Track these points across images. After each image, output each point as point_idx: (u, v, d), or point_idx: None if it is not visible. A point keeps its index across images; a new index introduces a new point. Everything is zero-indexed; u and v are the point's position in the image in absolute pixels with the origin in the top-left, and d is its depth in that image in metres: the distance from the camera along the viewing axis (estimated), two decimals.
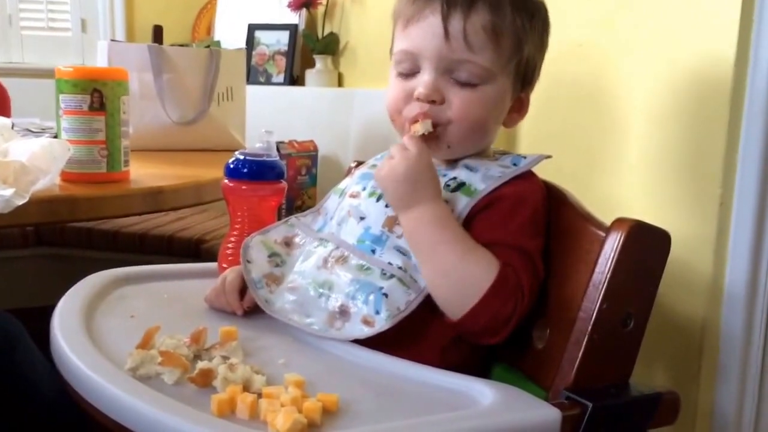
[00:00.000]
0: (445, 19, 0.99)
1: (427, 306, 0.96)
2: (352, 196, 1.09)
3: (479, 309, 0.93)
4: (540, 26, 1.06)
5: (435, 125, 1.02)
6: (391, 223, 1.02)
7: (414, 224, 0.98)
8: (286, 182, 1.22)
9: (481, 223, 1.00)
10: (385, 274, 0.98)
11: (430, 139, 1.02)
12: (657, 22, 1.32)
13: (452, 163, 1.06)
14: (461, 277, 0.94)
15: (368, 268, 0.99)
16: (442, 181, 1.03)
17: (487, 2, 1.00)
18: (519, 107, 1.09)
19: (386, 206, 1.04)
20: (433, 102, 1.01)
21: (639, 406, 0.91)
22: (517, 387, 0.89)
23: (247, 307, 1.07)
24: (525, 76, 1.05)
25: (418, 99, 1.02)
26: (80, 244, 2.45)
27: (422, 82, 1.02)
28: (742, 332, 1.21)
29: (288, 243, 1.13)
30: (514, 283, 0.95)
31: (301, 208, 2.40)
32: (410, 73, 1.04)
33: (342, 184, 1.16)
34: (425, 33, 1.01)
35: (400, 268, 0.98)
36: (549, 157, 1.07)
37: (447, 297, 0.95)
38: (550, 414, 0.83)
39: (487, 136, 1.07)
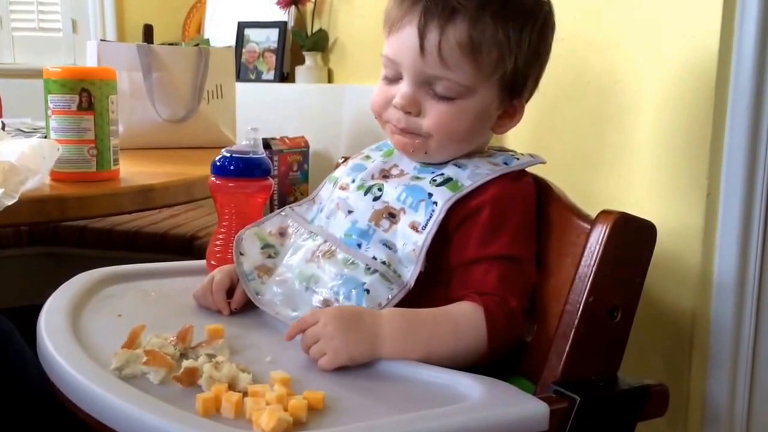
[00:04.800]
0: (421, 33, 0.97)
1: (413, 298, 0.97)
2: (342, 188, 1.10)
3: (490, 355, 0.95)
4: (535, 37, 1.00)
5: (411, 133, 1.02)
6: (378, 217, 1.02)
7: (396, 347, 0.92)
8: (276, 179, 1.22)
9: (464, 238, 0.99)
10: (369, 268, 0.98)
11: (409, 146, 1.04)
12: (640, 15, 1.32)
13: (442, 162, 1.06)
14: (463, 349, 0.94)
15: (353, 263, 0.99)
16: (430, 176, 1.03)
17: (467, 13, 0.96)
18: (512, 114, 1.06)
19: (374, 200, 1.04)
20: (409, 113, 1.01)
21: (627, 398, 0.91)
22: (506, 381, 0.88)
23: (235, 308, 1.06)
24: (513, 87, 1.02)
25: (395, 107, 1.02)
26: (74, 242, 2.43)
27: (400, 92, 1.01)
28: (732, 322, 1.20)
29: (282, 233, 1.13)
30: (504, 315, 0.96)
31: None
32: (394, 78, 1.03)
33: (337, 173, 1.15)
34: (403, 43, 0.99)
35: (383, 263, 0.98)
36: (543, 162, 1.06)
37: (462, 365, 0.93)
38: (538, 408, 0.83)
39: (468, 144, 1.05)
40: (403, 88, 1.01)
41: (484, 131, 1.06)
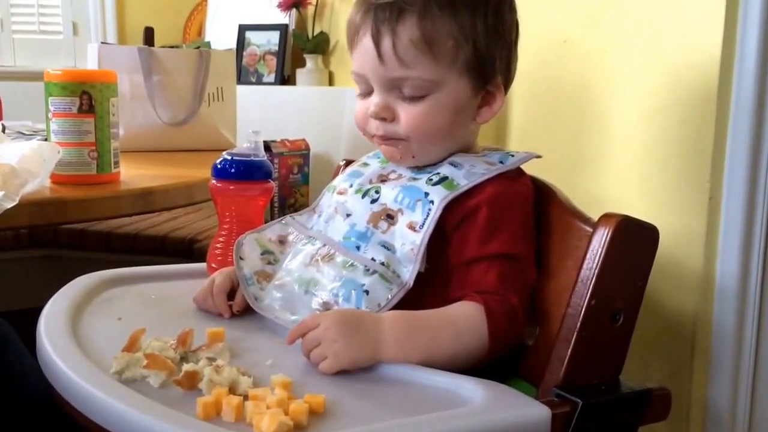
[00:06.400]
0: (375, 40, 0.99)
1: (412, 299, 0.96)
2: (340, 193, 1.11)
3: (492, 354, 0.95)
4: (490, 18, 1.01)
5: (391, 138, 1.04)
6: (376, 219, 1.02)
7: (397, 350, 0.91)
8: (277, 181, 1.22)
9: (463, 237, 0.99)
10: (368, 270, 0.98)
11: (396, 153, 1.05)
12: (642, 18, 1.32)
13: (438, 162, 1.06)
14: (464, 350, 0.94)
15: (352, 265, 1.00)
16: (426, 176, 1.03)
17: (415, 11, 0.98)
18: (490, 101, 1.06)
19: (371, 203, 1.04)
20: (384, 119, 1.03)
21: (629, 402, 0.91)
22: (506, 383, 0.88)
23: (237, 310, 1.06)
24: (482, 71, 1.02)
25: (372, 117, 1.04)
26: (73, 245, 2.43)
27: (372, 101, 1.04)
28: (734, 326, 1.20)
29: (282, 241, 1.14)
30: (505, 313, 0.95)
31: (294, 207, 2.40)
32: (367, 92, 1.06)
33: (335, 181, 1.16)
34: (364, 56, 1.02)
35: (382, 263, 0.98)
36: (539, 156, 1.06)
37: (463, 366, 0.93)
38: (540, 412, 0.82)
39: (453, 139, 1.05)
40: (374, 98, 1.04)
41: (465, 123, 1.06)
